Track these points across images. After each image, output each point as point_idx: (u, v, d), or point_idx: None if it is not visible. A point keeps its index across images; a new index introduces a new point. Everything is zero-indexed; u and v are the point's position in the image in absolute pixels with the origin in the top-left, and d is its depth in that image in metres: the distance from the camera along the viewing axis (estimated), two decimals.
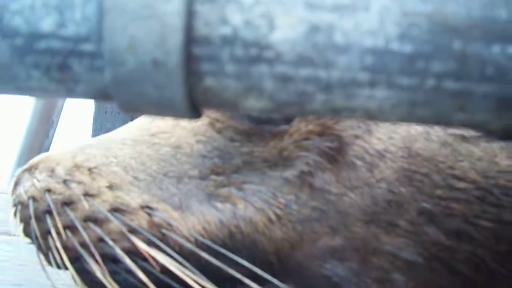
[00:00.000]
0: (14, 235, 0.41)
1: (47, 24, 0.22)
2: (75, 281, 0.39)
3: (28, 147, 1.08)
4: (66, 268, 0.38)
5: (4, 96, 0.26)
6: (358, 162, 0.37)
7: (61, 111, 1.22)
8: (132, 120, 0.46)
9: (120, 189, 0.39)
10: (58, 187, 0.39)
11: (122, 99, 0.24)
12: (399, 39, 0.21)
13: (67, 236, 0.37)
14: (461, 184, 0.37)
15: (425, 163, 0.37)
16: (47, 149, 1.11)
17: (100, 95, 0.24)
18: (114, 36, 0.22)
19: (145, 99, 0.23)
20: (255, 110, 0.25)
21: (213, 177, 0.39)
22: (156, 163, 0.40)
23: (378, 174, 0.37)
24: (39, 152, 1.03)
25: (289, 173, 0.38)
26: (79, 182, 0.39)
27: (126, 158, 0.41)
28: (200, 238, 0.37)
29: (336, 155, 0.38)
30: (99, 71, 0.23)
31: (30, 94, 0.25)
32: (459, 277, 0.37)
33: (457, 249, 0.37)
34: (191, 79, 0.23)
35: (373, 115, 0.24)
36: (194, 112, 0.25)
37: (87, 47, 0.22)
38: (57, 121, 1.20)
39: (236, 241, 0.37)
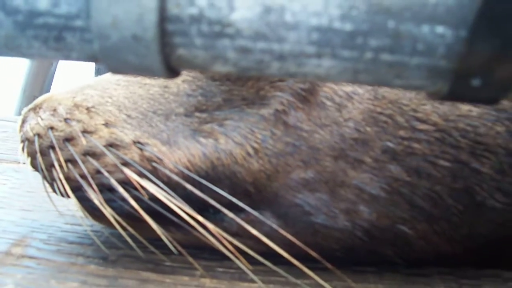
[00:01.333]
0: (24, 163, 0.45)
1: (43, 3, 0.26)
2: (77, 207, 0.44)
3: (33, 76, 1.11)
4: (69, 196, 0.43)
5: None
6: (328, 103, 0.41)
7: None
8: None
9: (114, 126, 0.43)
10: (60, 125, 0.43)
11: (109, 64, 0.28)
12: (340, 19, 0.24)
13: (68, 168, 0.42)
14: (423, 126, 0.40)
15: (390, 105, 0.40)
16: (52, 78, 1.14)
17: (92, 60, 0.28)
18: (100, 15, 0.25)
19: (129, 65, 0.27)
20: (222, 73, 0.29)
21: (197, 114, 0.43)
22: (146, 102, 0.44)
23: (346, 114, 0.41)
24: (43, 81, 1.07)
25: (265, 111, 0.42)
26: (79, 121, 0.43)
27: (120, 97, 0.45)
28: (185, 171, 0.42)
29: (308, 95, 0.41)
30: (89, 42, 0.27)
31: (32, 58, 0.29)
32: (418, 210, 0.41)
33: (416, 185, 0.41)
34: (165, 49, 0.26)
35: (323, 79, 0.27)
36: (172, 73, 0.28)
37: (78, 23, 0.26)
38: None
39: (218, 172, 0.42)
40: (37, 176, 0.45)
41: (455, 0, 0.24)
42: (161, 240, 0.41)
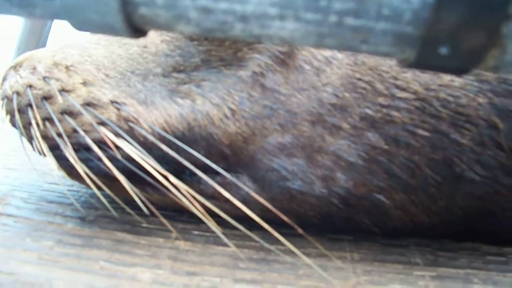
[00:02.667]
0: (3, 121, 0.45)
1: None
2: (56, 166, 0.44)
3: (28, 33, 1.10)
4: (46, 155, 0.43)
5: None
6: (306, 66, 0.40)
7: None
8: None
9: (92, 85, 0.42)
10: (39, 83, 0.43)
11: (72, 22, 0.27)
12: None
13: (45, 127, 0.42)
14: (403, 94, 0.39)
15: (370, 71, 0.40)
16: (47, 35, 1.13)
17: (56, 17, 0.27)
18: None
19: (92, 23, 0.27)
20: (187, 33, 0.28)
21: (175, 74, 0.43)
22: (125, 62, 0.43)
23: (324, 78, 0.40)
24: (38, 39, 1.06)
25: (243, 73, 0.41)
26: (57, 79, 0.43)
27: (99, 57, 0.44)
28: (161, 132, 0.41)
29: (286, 58, 0.41)
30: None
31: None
32: (395, 179, 0.41)
33: (395, 154, 0.40)
34: (127, 8, 0.26)
35: (288, 42, 0.27)
36: (137, 32, 0.28)
37: None
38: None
39: (194, 133, 0.42)
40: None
41: None
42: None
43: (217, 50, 0.42)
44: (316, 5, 0.24)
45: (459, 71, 0.27)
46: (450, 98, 0.39)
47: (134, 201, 0.42)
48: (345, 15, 0.24)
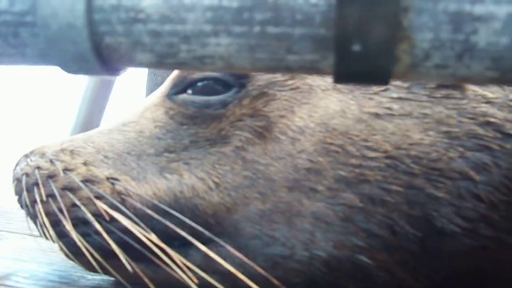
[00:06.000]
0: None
1: (2, 3, 0.32)
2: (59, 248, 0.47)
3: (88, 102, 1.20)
4: (51, 236, 0.46)
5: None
6: (282, 137, 0.44)
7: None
8: None
9: (92, 165, 0.47)
10: (45, 165, 0.48)
11: (55, 57, 0.33)
12: None
13: (48, 202, 0.46)
14: (374, 154, 0.41)
15: (341, 136, 0.42)
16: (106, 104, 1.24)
17: (43, 58, 0.34)
18: (43, 8, 0.31)
19: (68, 54, 0.32)
20: (145, 64, 0.33)
21: (166, 154, 0.47)
22: (122, 145, 0.49)
23: (299, 146, 0.43)
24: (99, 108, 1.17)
25: (226, 149, 0.45)
26: (62, 161, 0.48)
27: (101, 142, 0.50)
28: (151, 200, 0.44)
29: (264, 132, 0.44)
30: (37, 36, 0.32)
31: None
32: (375, 238, 0.41)
33: (371, 212, 0.41)
34: (95, 38, 0.31)
35: (229, 62, 0.31)
36: (108, 68, 0.33)
37: (29, 18, 0.32)
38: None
39: (180, 204, 0.44)
40: None
41: None
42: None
43: (204, 131, 0.47)
44: (241, 17, 0.29)
45: (382, 77, 0.30)
46: (421, 155, 0.41)
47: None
48: (266, 24, 0.29)
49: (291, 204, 0.42)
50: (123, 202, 0.44)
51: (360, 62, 0.29)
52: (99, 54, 0.32)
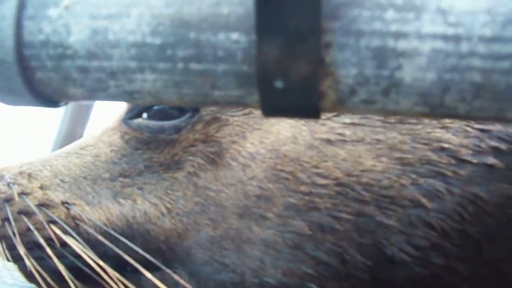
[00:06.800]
0: None
1: None
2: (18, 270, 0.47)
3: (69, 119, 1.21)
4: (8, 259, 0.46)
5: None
6: (233, 163, 0.44)
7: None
8: None
9: (48, 189, 0.48)
10: (3, 188, 0.48)
11: None
12: (151, 34, 0.29)
13: (4, 226, 0.46)
14: (324, 181, 0.41)
15: (291, 163, 0.42)
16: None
17: None
18: None
19: (3, 88, 0.32)
20: (79, 98, 0.33)
21: (120, 179, 0.47)
22: (79, 169, 0.49)
23: (249, 173, 0.43)
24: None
25: (179, 174, 0.45)
26: (19, 184, 0.48)
27: (59, 166, 0.50)
28: (103, 226, 0.44)
29: (215, 158, 0.44)
30: None
31: None
32: (324, 266, 0.40)
33: (321, 240, 0.40)
34: (26, 73, 0.31)
35: (157, 97, 0.31)
36: (43, 101, 0.33)
37: None
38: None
39: (132, 229, 0.44)
40: None
41: (244, 8, 0.28)
42: None
43: (158, 156, 0.47)
44: (164, 54, 0.29)
45: (310, 112, 0.30)
46: (373, 182, 0.40)
47: None
48: (189, 61, 0.29)
49: (241, 231, 0.42)
50: (77, 227, 0.45)
51: (285, 98, 0.29)
52: (32, 89, 0.32)
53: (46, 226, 0.44)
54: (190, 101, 0.31)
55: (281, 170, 0.42)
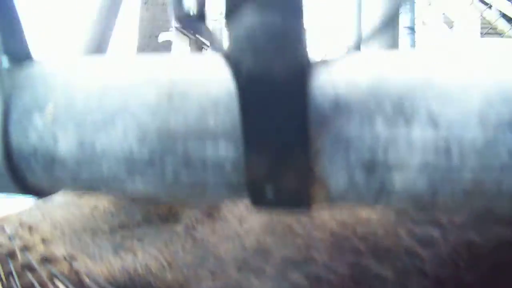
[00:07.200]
0: None
1: None
2: None
3: None
4: None
5: None
6: (230, 216, 0.44)
7: None
8: None
9: (50, 242, 0.48)
10: (4, 242, 0.49)
11: None
12: (138, 145, 0.28)
13: (8, 281, 0.47)
14: (319, 233, 0.42)
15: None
16: None
17: None
18: None
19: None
20: (74, 189, 0.33)
21: (120, 231, 0.48)
22: (78, 221, 0.49)
23: (246, 226, 0.43)
24: None
25: (177, 227, 0.46)
26: (20, 238, 0.49)
27: (58, 217, 0.50)
28: (106, 285, 0.45)
29: (212, 211, 0.45)
30: None
31: None
32: None
33: None
34: (17, 175, 0.31)
35: (148, 198, 0.31)
36: (37, 196, 0.33)
37: None
38: None
39: (134, 282, 0.45)
40: None
41: (231, 121, 0.27)
42: None
43: (156, 208, 0.47)
44: (153, 165, 0.29)
45: (301, 210, 0.30)
46: (368, 236, 0.41)
47: None
48: (179, 171, 0.29)
49: (240, 283, 0.43)
50: (80, 283, 0.46)
51: (276, 203, 0.29)
52: (23, 189, 0.32)
53: (49, 283, 0.45)
54: (181, 203, 0.31)
55: (278, 223, 0.42)
